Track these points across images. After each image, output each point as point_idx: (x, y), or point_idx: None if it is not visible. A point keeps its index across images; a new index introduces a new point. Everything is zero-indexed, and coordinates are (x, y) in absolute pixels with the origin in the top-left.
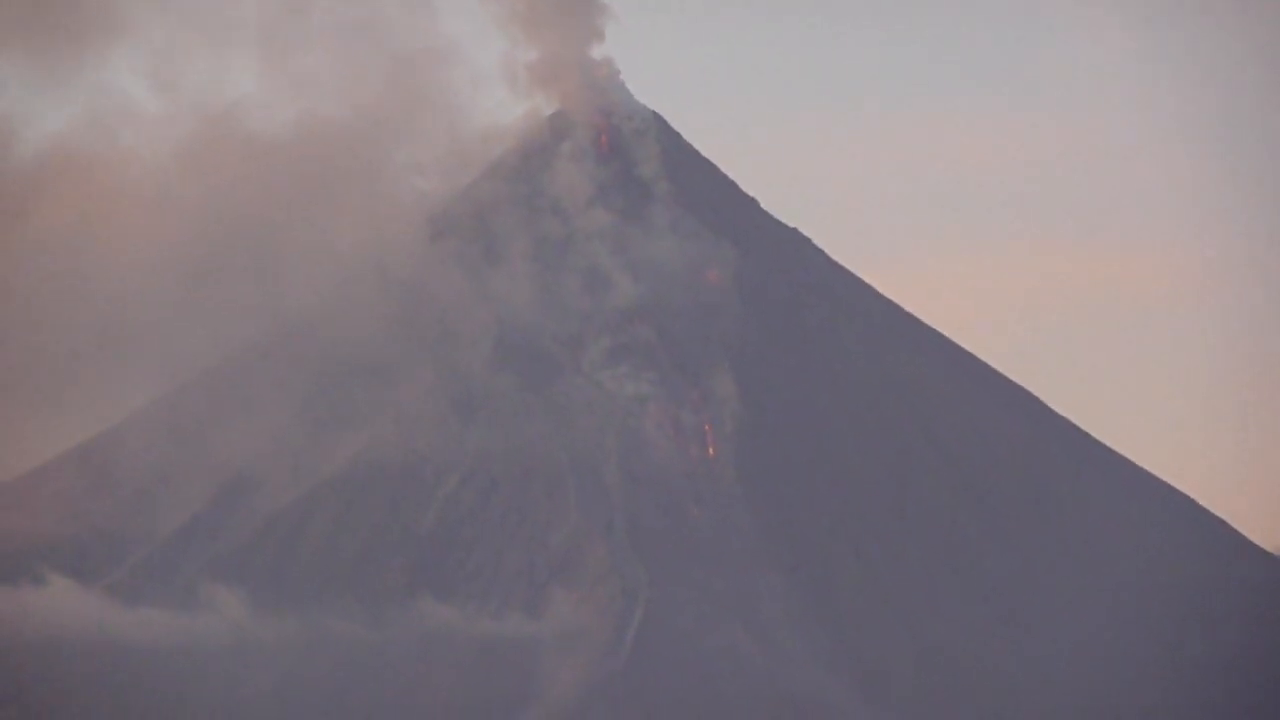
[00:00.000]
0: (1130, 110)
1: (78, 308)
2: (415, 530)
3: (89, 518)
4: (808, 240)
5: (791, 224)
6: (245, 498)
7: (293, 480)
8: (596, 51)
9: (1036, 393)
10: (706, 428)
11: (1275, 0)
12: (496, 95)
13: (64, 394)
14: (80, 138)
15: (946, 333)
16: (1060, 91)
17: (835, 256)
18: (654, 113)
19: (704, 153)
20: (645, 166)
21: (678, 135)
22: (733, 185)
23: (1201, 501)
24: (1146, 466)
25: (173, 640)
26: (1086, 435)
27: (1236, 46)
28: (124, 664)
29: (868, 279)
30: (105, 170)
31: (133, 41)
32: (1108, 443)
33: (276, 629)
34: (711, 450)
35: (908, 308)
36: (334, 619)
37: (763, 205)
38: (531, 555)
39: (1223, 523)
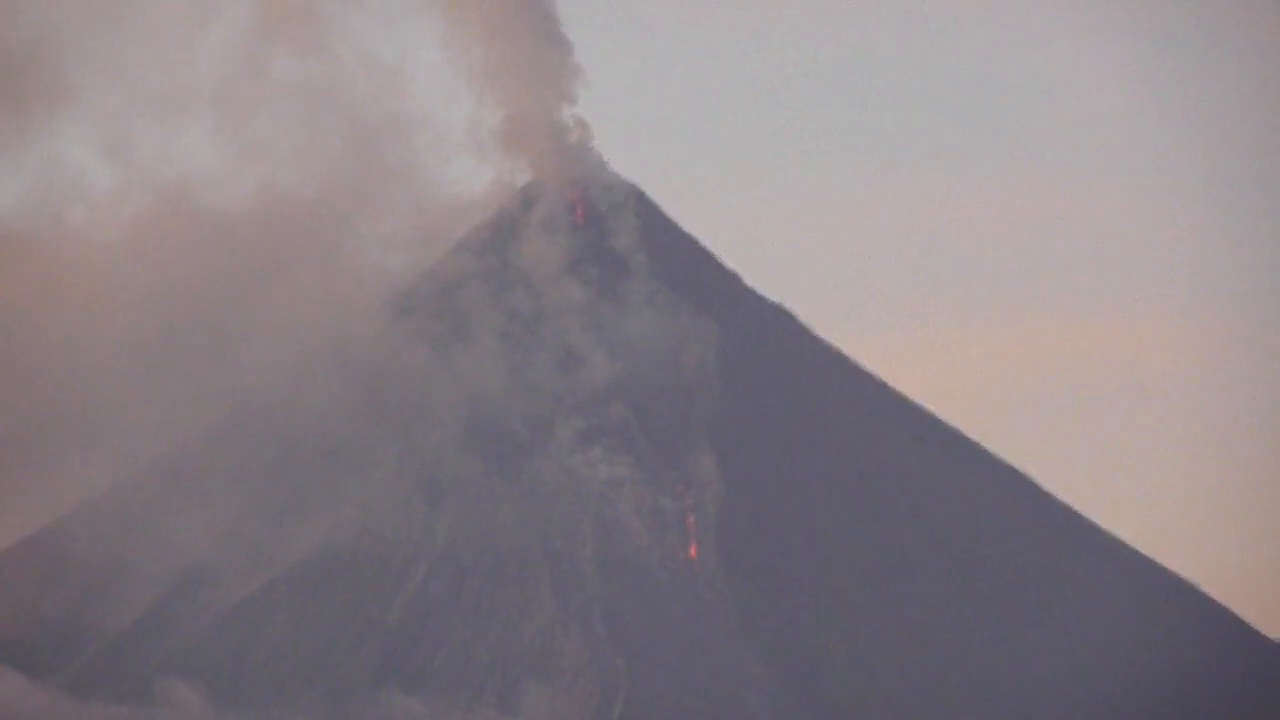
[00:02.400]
0: (1124, 182)
1: (27, 391)
2: (381, 621)
3: (40, 611)
4: (792, 316)
5: (775, 299)
6: (203, 589)
7: (252, 570)
8: (568, 116)
9: (1027, 471)
10: (686, 513)
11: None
12: (464, 164)
13: (12, 483)
14: (27, 214)
15: (934, 410)
16: (1050, 162)
17: (820, 332)
18: (630, 183)
19: (683, 225)
20: (621, 239)
21: (655, 206)
22: (713, 259)
23: (1201, 586)
24: (1140, 548)
25: None
26: (1079, 516)
27: (1240, 112)
28: None
29: (854, 355)
30: (53, 247)
31: (82, 111)
32: (1100, 523)
33: None
34: (692, 535)
35: (894, 384)
36: (296, 715)
37: (745, 280)
38: (504, 647)
39: (1223, 608)
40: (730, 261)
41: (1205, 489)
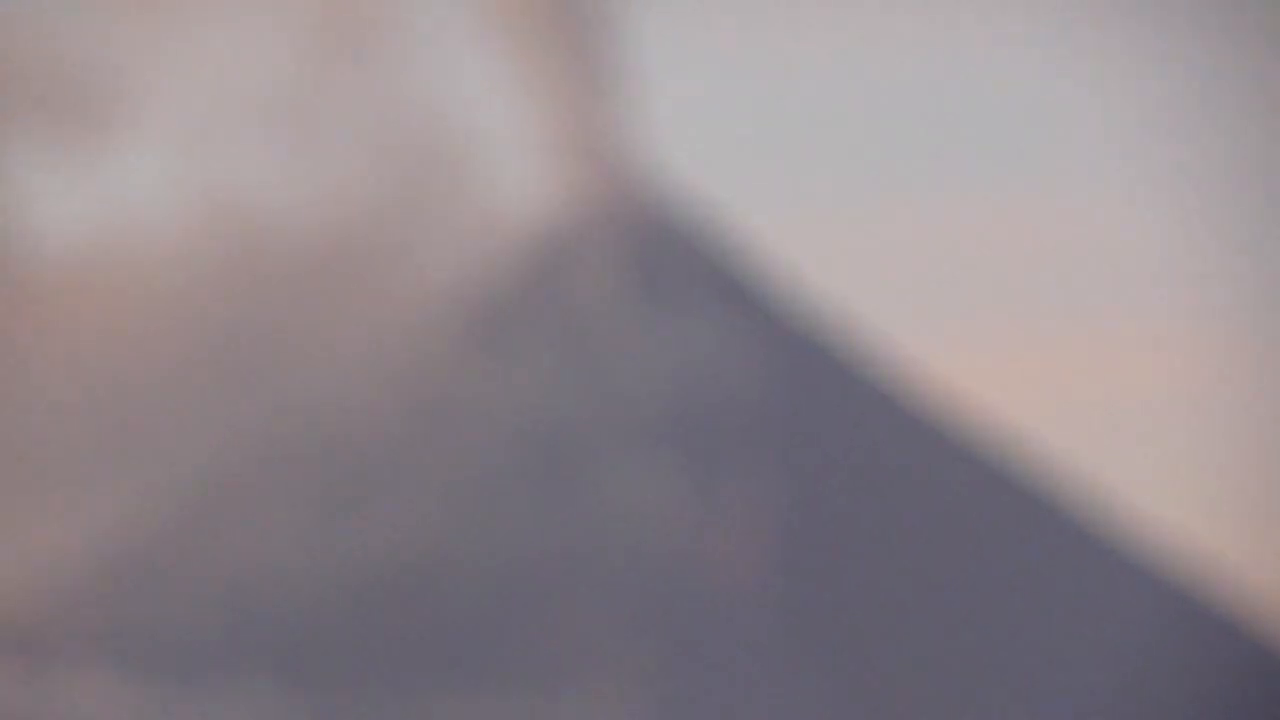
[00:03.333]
0: (1136, 199)
1: (90, 413)
2: (437, 634)
3: (106, 624)
4: (853, 331)
5: (835, 313)
6: (262, 602)
7: (309, 583)
8: (624, 127)
9: (1094, 494)
10: (743, 532)
11: None
12: (516, 175)
13: (77, 500)
14: (88, 236)
15: (1002, 428)
16: (1078, 178)
17: (883, 347)
18: (688, 192)
19: (740, 235)
20: (679, 254)
21: (712, 217)
22: (770, 270)
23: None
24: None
25: None
26: (1130, 528)
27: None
28: None
29: (916, 369)
30: (110, 263)
31: (141, 127)
32: (1138, 537)
33: None
34: (746, 548)
35: (958, 404)
36: (353, 709)
37: (802, 291)
38: (555, 659)
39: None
40: (788, 272)
41: (1215, 490)
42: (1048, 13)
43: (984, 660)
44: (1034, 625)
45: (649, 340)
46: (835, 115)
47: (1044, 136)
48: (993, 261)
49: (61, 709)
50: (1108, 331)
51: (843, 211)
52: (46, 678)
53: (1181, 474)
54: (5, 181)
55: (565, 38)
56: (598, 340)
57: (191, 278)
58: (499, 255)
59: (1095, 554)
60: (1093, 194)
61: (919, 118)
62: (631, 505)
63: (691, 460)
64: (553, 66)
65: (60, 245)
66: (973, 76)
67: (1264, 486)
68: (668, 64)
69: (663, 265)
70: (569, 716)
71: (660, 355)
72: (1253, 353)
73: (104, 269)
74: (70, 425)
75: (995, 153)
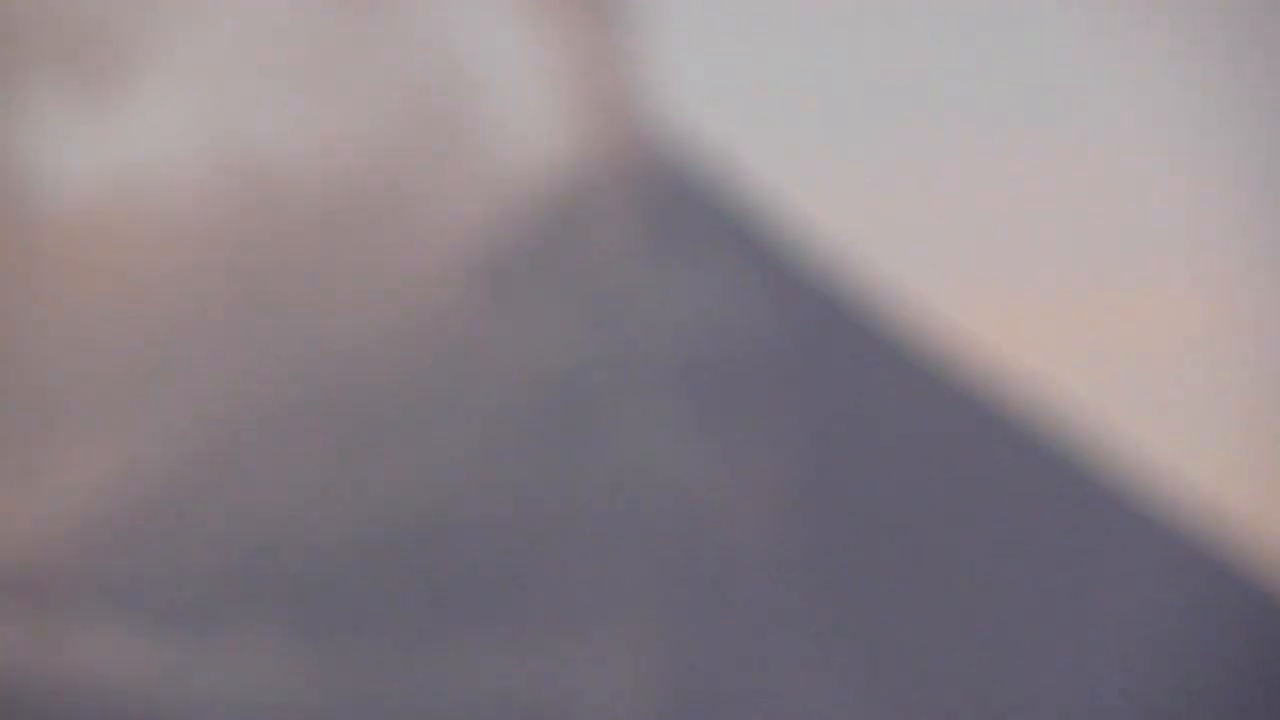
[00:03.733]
0: (1157, 148)
1: (106, 360)
2: (453, 577)
3: (125, 561)
4: (867, 283)
5: (850, 265)
6: (278, 549)
7: (326, 532)
8: (641, 77)
9: (1106, 447)
10: (756, 484)
11: None
12: (535, 125)
13: (93, 445)
14: (102, 186)
15: (1017, 380)
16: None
17: (898, 299)
18: (706, 148)
19: (764, 193)
20: (697, 206)
21: (733, 172)
22: (797, 229)
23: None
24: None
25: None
26: (1143, 494)
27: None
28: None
29: (931, 322)
30: (123, 218)
31: (150, 83)
32: (1163, 502)
33: (313, 674)
34: (763, 508)
35: (974, 351)
36: (360, 667)
37: (826, 253)
38: (573, 607)
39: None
40: (803, 223)
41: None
42: None
43: (1002, 617)
44: (1054, 583)
45: (662, 292)
46: (852, 66)
47: (1065, 91)
48: (1011, 214)
49: (73, 658)
50: (1126, 285)
51: (858, 163)
52: (58, 627)
53: (1202, 429)
54: (22, 131)
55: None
56: (610, 292)
57: (207, 227)
58: (512, 206)
59: (1115, 511)
60: (1115, 145)
61: (939, 69)
62: (644, 458)
63: (705, 413)
64: (565, 14)
65: (76, 194)
66: (994, 27)
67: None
68: (683, 12)
69: (676, 216)
70: (581, 669)
71: (673, 307)
72: (1274, 309)
73: (120, 218)
74: (85, 374)
75: (1014, 105)
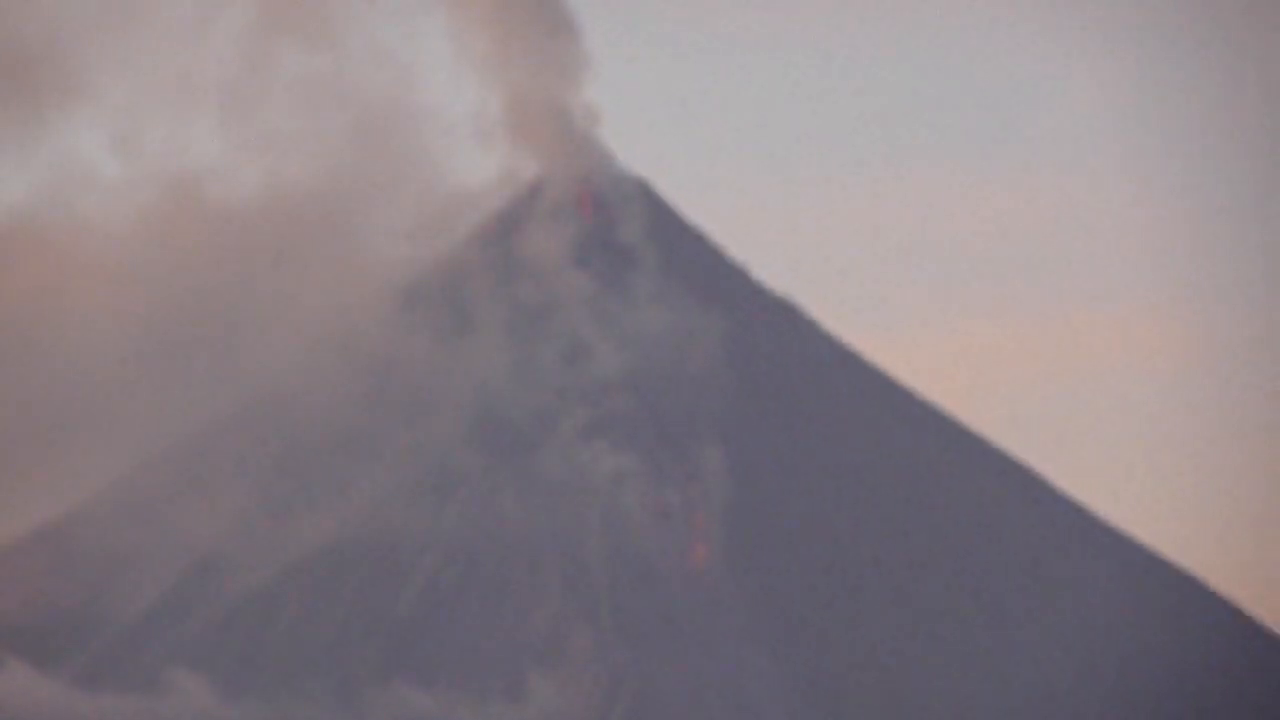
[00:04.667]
0: (1134, 177)
1: (35, 383)
2: (389, 613)
3: (48, 601)
4: (800, 310)
5: (783, 293)
6: (211, 580)
7: (260, 561)
8: (576, 105)
9: (1037, 468)
10: (693, 507)
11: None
12: (471, 155)
13: (20, 474)
14: (38, 206)
15: (942, 405)
16: (1058, 157)
17: (828, 327)
18: (638, 175)
19: (691, 218)
20: (628, 232)
21: (663, 199)
22: (721, 253)
23: (1208, 580)
24: (1153, 545)
25: None
26: (1089, 513)
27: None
28: None
29: (861, 350)
30: (61, 238)
31: (91, 103)
32: (1112, 521)
33: (244, 717)
34: (699, 530)
35: (902, 379)
36: (304, 706)
37: (752, 274)
38: (512, 639)
39: (1229, 603)
40: (738, 255)
41: (1210, 482)
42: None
43: (934, 639)
44: (987, 603)
45: (604, 316)
46: (797, 95)
47: (1027, 120)
48: (964, 242)
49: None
50: (1089, 314)
51: (805, 192)
52: None
53: (1168, 455)
54: None
55: (520, 11)
56: (553, 316)
57: (142, 250)
58: (454, 230)
59: (1040, 530)
60: (1076, 177)
61: (893, 99)
62: (586, 482)
63: (646, 437)
64: (508, 41)
65: (9, 216)
66: (948, 56)
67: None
68: (623, 42)
69: (617, 242)
70: (530, 697)
71: (613, 330)
72: (1246, 334)
73: (53, 241)
74: (15, 399)
75: (974, 135)
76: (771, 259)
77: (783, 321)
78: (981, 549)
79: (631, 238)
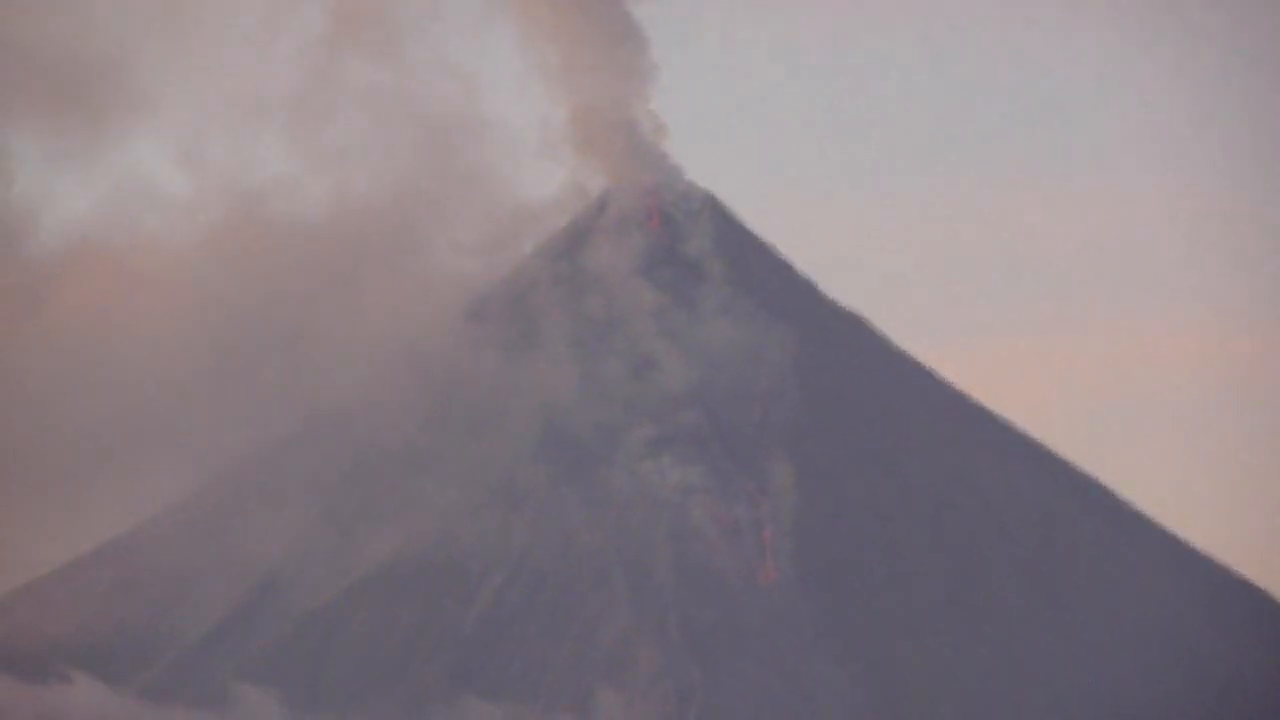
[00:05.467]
0: (1182, 187)
1: (102, 400)
2: (457, 628)
3: (117, 618)
4: (868, 324)
5: (851, 307)
6: (278, 596)
7: (327, 577)
8: (643, 118)
9: (1105, 481)
10: (761, 521)
11: None
12: (538, 168)
13: (89, 490)
14: (103, 223)
15: (1011, 419)
16: (1128, 166)
17: (896, 341)
18: (705, 187)
19: (758, 231)
20: (695, 245)
21: (730, 212)
22: (788, 266)
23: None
24: (1215, 554)
25: None
26: (1155, 525)
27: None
28: None
29: (929, 364)
30: (129, 256)
31: (156, 119)
32: (1175, 531)
33: None
34: (767, 544)
35: (970, 393)
36: None
37: (821, 288)
38: (580, 654)
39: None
40: (806, 268)
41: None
42: (1066, 6)
43: (1001, 654)
44: (1052, 618)
45: (671, 330)
46: (854, 108)
47: (1057, 131)
48: (1009, 255)
49: (65, 715)
50: (1120, 324)
51: (860, 204)
52: (49, 684)
53: (1190, 465)
54: (21, 172)
55: (587, 26)
56: (619, 329)
57: (206, 266)
58: (521, 244)
59: (1111, 546)
60: (1104, 189)
61: (937, 110)
62: (653, 497)
63: (713, 451)
64: (575, 55)
65: (75, 234)
66: (987, 71)
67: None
68: (686, 61)
69: (685, 255)
70: (597, 712)
71: (682, 345)
72: (1262, 346)
73: (118, 257)
74: (80, 417)
75: (1009, 146)
76: (837, 271)
77: (851, 335)
78: (1050, 562)
79: (699, 251)
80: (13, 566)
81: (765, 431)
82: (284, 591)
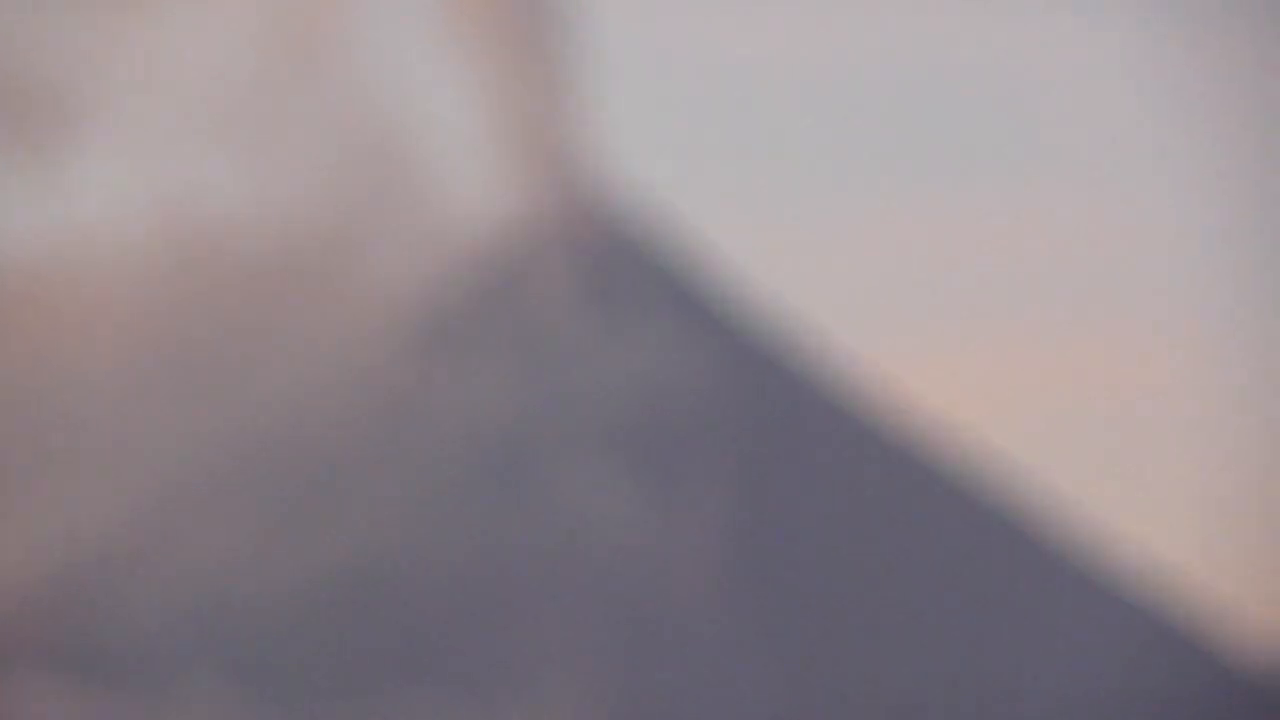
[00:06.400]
0: (1154, 199)
1: (48, 421)
2: (396, 637)
3: (67, 631)
4: (809, 342)
5: (793, 324)
6: (224, 607)
7: (271, 589)
8: (580, 130)
9: (1055, 497)
10: (698, 534)
11: None
12: (478, 184)
13: (36, 508)
14: (38, 244)
15: (955, 431)
16: (1081, 178)
17: (838, 358)
18: (645, 199)
19: (698, 245)
20: (635, 262)
21: (671, 228)
22: (729, 280)
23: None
24: (1191, 569)
25: None
26: (1101, 534)
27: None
28: None
29: (873, 380)
30: (63, 276)
31: (93, 141)
32: (1126, 552)
33: None
34: (704, 557)
35: (915, 407)
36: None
37: (761, 301)
38: (517, 664)
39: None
40: (747, 283)
41: (1215, 498)
42: (1049, 14)
43: (948, 671)
44: (1005, 638)
45: (605, 347)
46: (799, 115)
47: (1030, 134)
48: (964, 266)
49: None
50: (1093, 337)
51: (804, 215)
52: (5, 688)
53: (1174, 481)
54: None
55: (521, 39)
56: (554, 346)
57: (148, 286)
58: (455, 261)
59: (1069, 568)
60: (1075, 195)
61: (890, 115)
62: (588, 512)
63: (646, 467)
64: (509, 68)
65: (14, 254)
66: (964, 71)
67: (1261, 491)
68: (626, 65)
69: (619, 271)
70: (539, 711)
71: (616, 361)
72: (1251, 357)
73: (59, 278)
74: (25, 436)
75: (974, 151)
76: (783, 286)
77: (793, 349)
78: (993, 571)
79: (638, 268)
80: None
81: (702, 449)
82: (229, 603)
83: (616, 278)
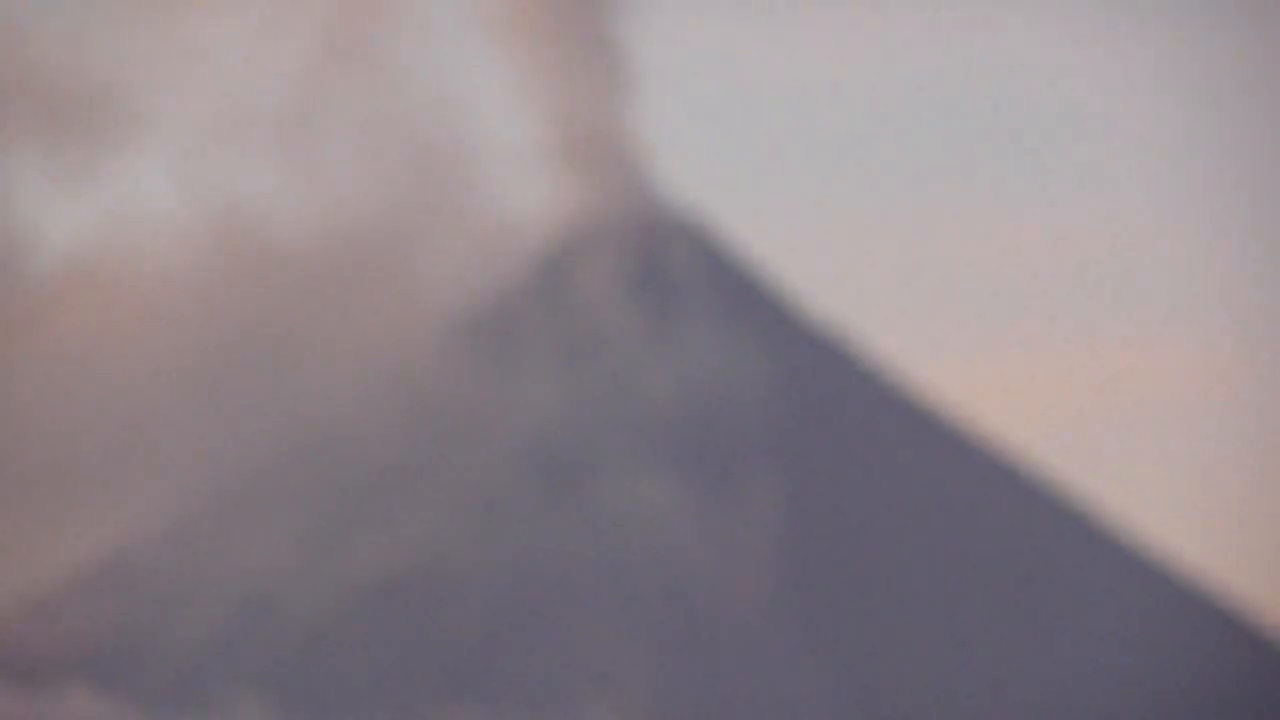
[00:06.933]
0: (1190, 203)
1: (95, 418)
2: (443, 640)
3: (112, 629)
4: (855, 341)
5: (839, 324)
6: (268, 609)
7: (316, 590)
8: (629, 135)
9: (1097, 500)
10: (745, 538)
11: None
12: (524, 185)
13: (82, 507)
14: (90, 244)
15: (999, 435)
16: (1117, 185)
17: (884, 358)
18: (692, 203)
19: (745, 247)
20: (681, 263)
21: (717, 228)
22: (775, 282)
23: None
24: (1210, 577)
25: None
26: (1152, 549)
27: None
28: None
29: (918, 381)
30: (116, 276)
31: (146, 142)
32: (1173, 556)
33: None
34: (750, 560)
35: (959, 409)
36: None
37: (807, 304)
38: (564, 667)
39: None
40: (792, 285)
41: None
42: (1058, 22)
43: (986, 667)
44: (1038, 633)
45: (656, 348)
46: (845, 123)
47: (1054, 147)
48: (1000, 271)
49: None
50: (1114, 340)
51: (851, 219)
52: (44, 693)
53: (1182, 480)
54: (13, 192)
55: (573, 45)
56: (605, 348)
57: (198, 286)
58: (504, 264)
59: (1100, 562)
60: (1101, 205)
61: (931, 126)
62: (638, 513)
63: (697, 468)
64: (560, 74)
65: (68, 256)
66: (985, 90)
67: (1265, 491)
68: (676, 72)
69: (667, 275)
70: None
71: (665, 364)
72: (1256, 362)
73: (111, 279)
74: (74, 435)
75: (1003, 164)
76: (828, 290)
77: (838, 353)
78: (1038, 583)
79: (685, 267)
80: (8, 578)
81: (750, 449)
82: (273, 605)
83: (665, 280)
